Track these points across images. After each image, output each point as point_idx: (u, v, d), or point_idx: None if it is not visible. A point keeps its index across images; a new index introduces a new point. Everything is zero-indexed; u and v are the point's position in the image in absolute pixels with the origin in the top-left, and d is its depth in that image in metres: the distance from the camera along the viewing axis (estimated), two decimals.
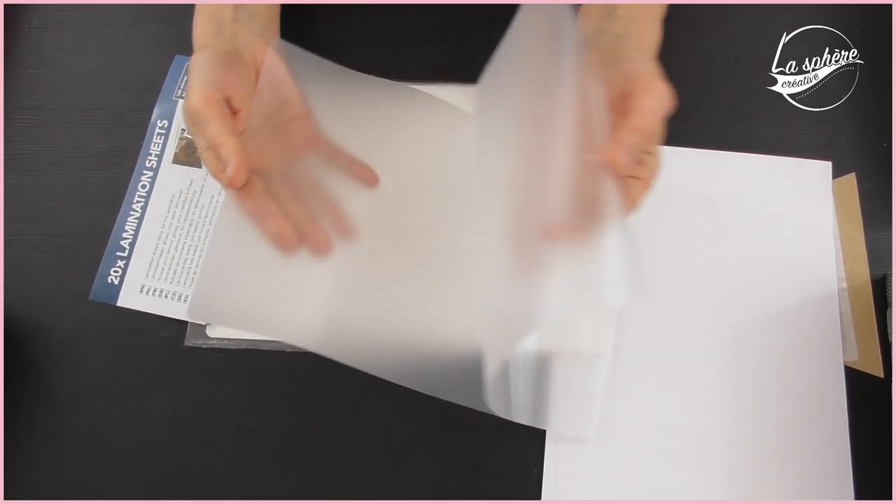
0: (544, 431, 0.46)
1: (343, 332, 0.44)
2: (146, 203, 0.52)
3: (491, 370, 0.41)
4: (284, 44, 0.46)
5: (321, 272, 0.45)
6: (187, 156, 0.53)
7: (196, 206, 0.52)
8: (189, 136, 0.53)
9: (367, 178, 0.48)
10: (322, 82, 0.48)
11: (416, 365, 0.45)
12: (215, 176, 0.41)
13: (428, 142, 0.51)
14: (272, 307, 0.43)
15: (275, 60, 0.44)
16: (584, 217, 0.37)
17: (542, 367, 0.46)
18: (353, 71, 0.49)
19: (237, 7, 0.46)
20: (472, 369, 0.44)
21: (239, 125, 0.42)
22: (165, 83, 0.55)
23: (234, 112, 0.42)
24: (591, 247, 0.36)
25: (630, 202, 0.38)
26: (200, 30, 0.46)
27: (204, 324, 0.48)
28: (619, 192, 0.36)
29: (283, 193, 0.44)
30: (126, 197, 0.52)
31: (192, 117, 0.41)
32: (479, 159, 0.49)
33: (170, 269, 0.50)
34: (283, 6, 0.52)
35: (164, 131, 0.53)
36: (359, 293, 0.46)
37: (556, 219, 0.37)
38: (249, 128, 0.43)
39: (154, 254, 0.50)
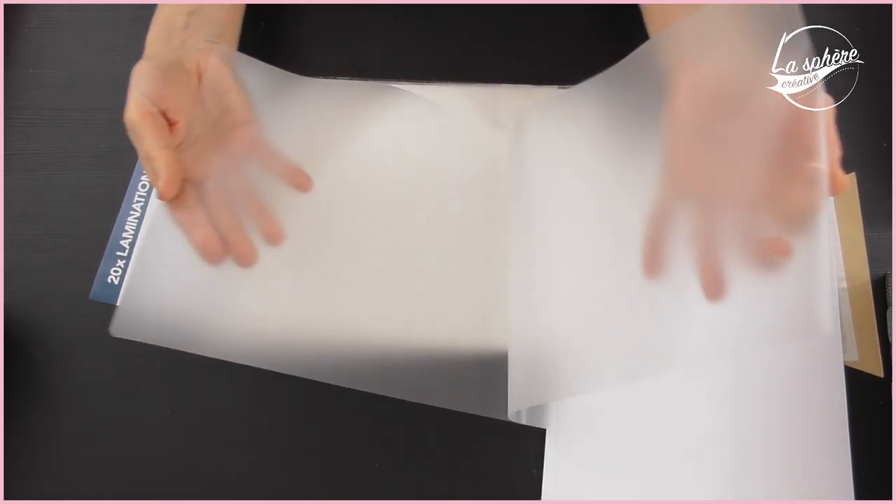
0: (544, 431, 0.46)
1: (282, 341, 0.45)
2: (146, 203, 0.52)
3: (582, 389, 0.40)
4: (230, 51, 0.46)
5: (255, 284, 0.46)
6: None
7: None
8: None
9: (301, 183, 0.48)
10: (270, 88, 0.48)
11: (368, 368, 0.45)
12: (153, 184, 0.42)
13: (388, 141, 0.51)
14: (203, 322, 0.44)
15: (218, 68, 0.45)
16: (791, 231, 0.34)
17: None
18: (301, 76, 0.50)
19: (191, 13, 0.46)
20: (435, 371, 0.45)
21: (175, 137, 0.42)
22: None
23: (171, 124, 0.42)
24: (802, 267, 0.33)
25: None
26: (151, 35, 0.46)
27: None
28: (827, 209, 0.34)
29: (216, 202, 0.44)
30: (126, 197, 0.52)
31: (129, 129, 0.41)
32: (577, 168, 0.47)
33: None
34: (284, 8, 0.52)
35: None
36: (297, 301, 0.46)
37: (769, 231, 0.34)
38: (190, 137, 0.44)
39: None
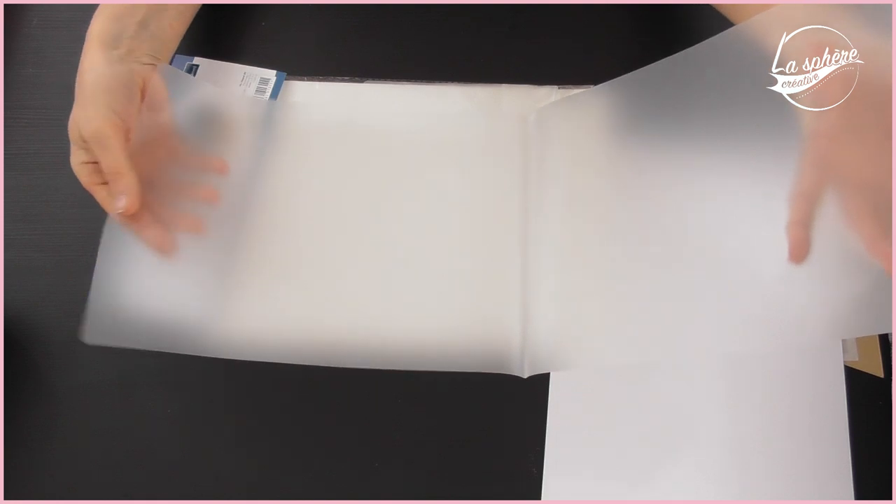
0: (544, 431, 0.46)
1: (248, 330, 0.46)
2: None
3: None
4: (174, 70, 0.48)
5: (239, 279, 0.47)
6: None
7: None
8: None
9: (219, 167, 0.49)
10: (203, 104, 0.50)
11: (375, 346, 0.46)
12: (88, 187, 0.43)
13: (307, 155, 0.52)
14: (189, 322, 0.45)
15: (161, 89, 0.46)
16: None
17: None
18: (230, 94, 0.52)
19: (141, 23, 0.47)
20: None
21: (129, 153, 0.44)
22: None
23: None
24: None
25: None
26: (100, 26, 0.46)
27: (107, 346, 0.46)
28: None
29: (152, 200, 0.45)
30: None
31: (93, 139, 0.42)
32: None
33: None
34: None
35: None
36: (291, 292, 0.48)
37: None
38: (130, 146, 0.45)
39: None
